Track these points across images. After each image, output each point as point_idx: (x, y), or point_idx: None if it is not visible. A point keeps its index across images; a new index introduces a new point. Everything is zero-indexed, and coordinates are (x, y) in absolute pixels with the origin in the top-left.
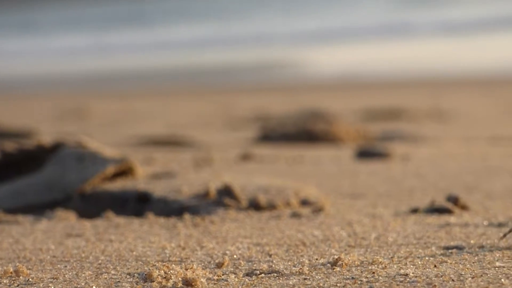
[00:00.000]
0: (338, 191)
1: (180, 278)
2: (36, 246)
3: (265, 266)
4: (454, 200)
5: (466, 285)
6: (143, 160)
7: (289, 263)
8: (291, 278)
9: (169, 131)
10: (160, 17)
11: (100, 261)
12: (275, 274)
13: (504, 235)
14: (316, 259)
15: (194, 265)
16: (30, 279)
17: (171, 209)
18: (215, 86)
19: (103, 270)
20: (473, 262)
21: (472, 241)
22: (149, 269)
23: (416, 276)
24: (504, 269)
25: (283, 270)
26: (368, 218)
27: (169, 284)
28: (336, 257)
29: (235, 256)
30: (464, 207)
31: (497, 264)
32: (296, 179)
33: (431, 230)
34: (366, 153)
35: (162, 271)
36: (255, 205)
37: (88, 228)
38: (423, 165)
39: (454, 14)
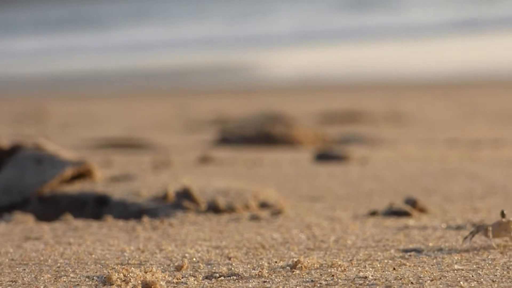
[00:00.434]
0: (297, 194)
1: (139, 281)
2: None
3: (224, 269)
4: (412, 203)
5: (425, 287)
6: (101, 163)
7: (249, 266)
8: (250, 281)
9: (127, 133)
10: (118, 19)
11: (59, 264)
12: (235, 277)
13: (466, 238)
14: (276, 262)
15: (154, 268)
16: None
17: (130, 212)
18: (173, 89)
19: (62, 273)
20: (432, 265)
21: (430, 244)
22: (108, 272)
23: (375, 279)
24: (463, 271)
25: (242, 273)
26: (327, 220)
27: (129, 287)
28: (295, 260)
29: (194, 259)
30: (422, 210)
31: (456, 266)
32: (255, 181)
33: (389, 233)
34: (324, 156)
35: (122, 274)
36: (214, 208)
37: (47, 231)
38: (382, 168)
39: (410, 18)
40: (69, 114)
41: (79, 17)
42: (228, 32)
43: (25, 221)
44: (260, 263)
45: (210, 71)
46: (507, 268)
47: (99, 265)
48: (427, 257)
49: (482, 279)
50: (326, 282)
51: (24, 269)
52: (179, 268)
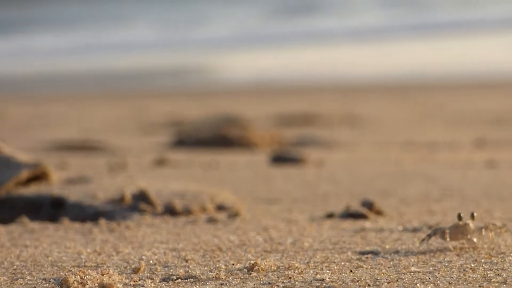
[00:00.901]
0: (253, 196)
1: (96, 284)
2: None
3: (181, 271)
4: (369, 205)
5: None
6: (57, 165)
7: (206, 268)
8: (207, 283)
9: (83, 136)
10: (75, 20)
11: (15, 267)
12: (192, 279)
13: (422, 240)
14: (233, 264)
15: (110, 270)
16: None
17: (86, 214)
18: (129, 91)
19: (19, 275)
20: (389, 267)
21: (387, 246)
22: (65, 275)
23: (332, 281)
24: (420, 274)
25: (199, 275)
26: (284, 223)
27: None
28: (252, 262)
29: (151, 261)
30: (379, 212)
31: (413, 269)
32: (212, 184)
33: (346, 235)
34: (281, 158)
35: (78, 277)
36: (170, 210)
37: (3, 233)
38: (338, 170)
39: (365, 20)
40: (25, 116)
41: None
42: (184, 36)
43: None
44: (217, 265)
45: (167, 73)
46: (464, 270)
47: (56, 268)
48: (384, 259)
49: (438, 281)
50: (283, 285)
51: None
52: (136, 271)
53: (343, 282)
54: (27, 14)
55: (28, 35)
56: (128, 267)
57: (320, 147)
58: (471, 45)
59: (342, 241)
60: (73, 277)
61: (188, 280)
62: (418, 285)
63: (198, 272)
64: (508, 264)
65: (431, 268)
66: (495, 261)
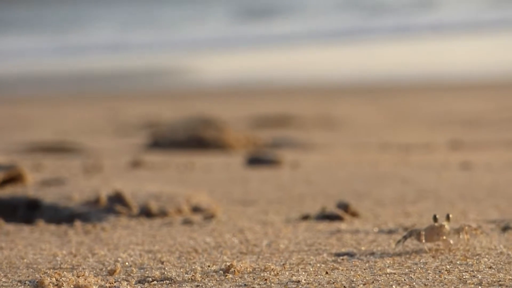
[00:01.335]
0: (229, 198)
1: (72, 285)
2: None
3: (157, 273)
4: (344, 207)
5: None
6: (32, 167)
7: (181, 270)
8: (183, 285)
9: (58, 137)
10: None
11: None
12: (168, 281)
13: (398, 242)
14: (209, 266)
15: (86, 272)
16: None
17: (62, 216)
18: (104, 93)
19: None
20: (364, 269)
21: (363, 248)
22: (41, 277)
23: (308, 283)
24: (395, 275)
25: (175, 277)
26: (260, 225)
27: None
28: (228, 264)
29: (127, 263)
30: (354, 214)
31: (388, 270)
32: (187, 186)
33: (322, 237)
34: (256, 160)
35: (54, 279)
36: (146, 212)
37: None
38: (313, 172)
39: (341, 22)
40: (0, 118)
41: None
42: (159, 37)
43: None
44: (193, 267)
45: (141, 75)
46: (439, 272)
47: (31, 270)
48: (359, 261)
49: (414, 283)
50: (259, 286)
51: None
52: (111, 272)
53: (319, 284)
54: (2, 15)
55: (2, 36)
56: (104, 269)
57: (295, 148)
58: (446, 48)
59: (317, 242)
60: (48, 279)
61: (164, 282)
62: (393, 286)
63: (173, 274)
64: (483, 266)
65: (406, 270)
66: (470, 262)
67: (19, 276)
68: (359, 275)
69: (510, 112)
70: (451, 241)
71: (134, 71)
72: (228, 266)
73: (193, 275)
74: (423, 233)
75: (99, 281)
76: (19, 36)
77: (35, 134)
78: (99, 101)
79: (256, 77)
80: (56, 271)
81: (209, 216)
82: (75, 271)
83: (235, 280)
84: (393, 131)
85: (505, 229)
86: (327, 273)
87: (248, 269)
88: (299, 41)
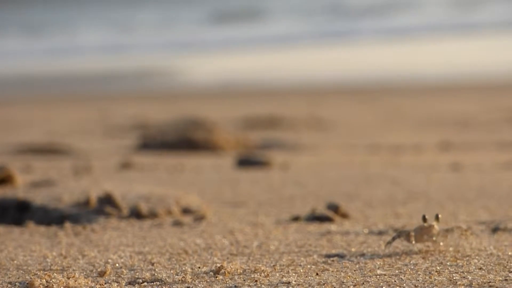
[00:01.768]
0: (219, 199)
1: (62, 287)
2: None
3: (147, 275)
4: (334, 208)
5: None
6: (21, 168)
7: (172, 271)
8: (173, 286)
9: (48, 139)
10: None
11: None
12: (158, 283)
13: (388, 243)
14: (199, 267)
15: (76, 273)
16: None
17: (52, 217)
18: (94, 94)
19: None
20: (355, 270)
21: (353, 249)
22: (31, 278)
23: (298, 284)
24: (385, 276)
25: (165, 279)
26: (250, 226)
27: None
28: (218, 265)
29: (117, 265)
30: (344, 215)
31: (378, 272)
32: (177, 187)
33: (312, 238)
34: (246, 162)
35: (44, 280)
36: (136, 214)
37: None
38: (303, 173)
39: (332, 24)
40: None
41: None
42: (148, 39)
43: None
44: (183, 268)
45: (131, 76)
46: (429, 273)
47: (21, 271)
48: (349, 262)
49: (404, 284)
50: (249, 287)
51: None
52: (102, 274)
53: (309, 285)
54: None
55: None
56: (94, 271)
57: (285, 150)
58: (435, 49)
59: (308, 244)
60: (38, 280)
61: (154, 283)
62: (384, 287)
63: (164, 275)
64: (474, 267)
65: (396, 271)
66: (460, 263)
67: (9, 277)
68: (349, 276)
69: (500, 113)
70: (441, 243)
71: (123, 72)
72: (219, 267)
73: (183, 277)
74: (412, 233)
75: (89, 282)
76: (7, 38)
77: (24, 135)
78: (89, 103)
79: (246, 79)
80: (46, 272)
81: (199, 218)
82: (65, 273)
83: (225, 282)
84: (383, 132)
85: (495, 230)
86: (317, 274)
87: (238, 271)
88: (288, 43)
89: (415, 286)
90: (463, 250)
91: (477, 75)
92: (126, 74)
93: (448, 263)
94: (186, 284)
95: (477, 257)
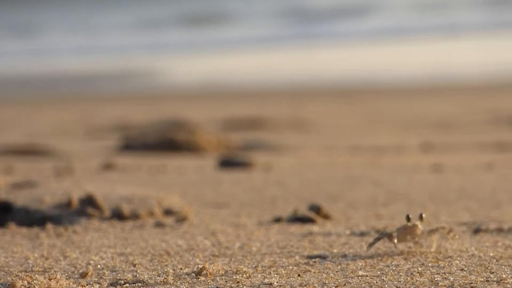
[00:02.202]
0: (201, 201)
1: None
2: None
3: (129, 276)
4: (316, 209)
5: None
6: (3, 170)
7: (154, 272)
8: (155, 287)
9: (29, 140)
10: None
11: None
12: (140, 284)
13: (370, 244)
14: (181, 268)
15: (58, 275)
16: None
17: (34, 218)
18: (75, 95)
19: None
20: (337, 271)
21: (335, 250)
22: (12, 280)
23: (280, 286)
24: (367, 278)
25: (147, 280)
26: (232, 227)
27: None
28: (200, 266)
29: (99, 266)
30: (326, 216)
31: (360, 273)
32: (159, 188)
33: (294, 239)
34: (228, 163)
35: (26, 281)
36: (118, 215)
37: None
38: (285, 175)
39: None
40: None
41: None
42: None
43: None
44: (165, 270)
45: (113, 77)
46: (411, 274)
47: (3, 272)
48: (331, 263)
49: (386, 285)
50: None
51: None
52: (83, 275)
53: (291, 286)
54: None
55: None
56: (76, 272)
57: (267, 151)
58: (416, 51)
59: (290, 245)
60: (20, 282)
61: (136, 284)
62: None
63: (146, 276)
64: (455, 268)
65: (378, 272)
66: (442, 265)
67: None
68: (331, 277)
69: (481, 115)
70: (424, 243)
71: (105, 73)
72: (201, 268)
73: (165, 278)
74: (395, 234)
75: (71, 284)
76: None
77: (6, 136)
78: (71, 104)
79: (228, 80)
80: (27, 274)
81: (181, 219)
82: (47, 274)
83: (207, 283)
84: (364, 134)
85: (476, 231)
86: (299, 275)
87: (220, 272)
88: (268, 44)
89: (397, 287)
90: (445, 251)
91: (458, 76)
92: (108, 75)
93: (429, 264)
94: (168, 285)
95: (458, 258)
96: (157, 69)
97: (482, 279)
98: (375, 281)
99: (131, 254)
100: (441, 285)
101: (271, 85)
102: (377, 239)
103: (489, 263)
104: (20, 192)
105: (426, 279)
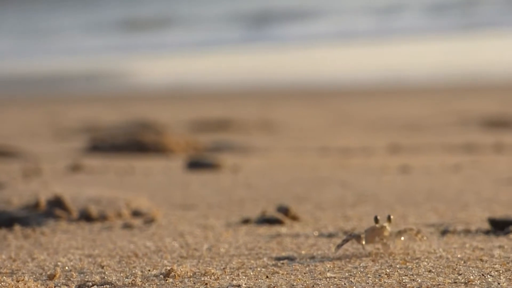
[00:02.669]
0: (169, 202)
1: None
2: None
3: (97, 278)
4: (284, 210)
5: None
6: None
7: (122, 274)
8: None
9: None
10: None
11: None
12: (108, 286)
13: (338, 246)
14: (149, 270)
15: (26, 277)
16: None
17: (1, 220)
18: (42, 96)
19: None
20: (305, 273)
21: (303, 252)
22: None
23: (248, 287)
24: (335, 279)
25: (115, 282)
26: (200, 229)
27: None
28: (168, 268)
29: (66, 268)
30: (294, 218)
31: (328, 274)
32: (127, 190)
33: (262, 241)
34: (196, 164)
35: None
36: (86, 216)
37: None
38: (254, 176)
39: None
40: None
41: None
42: (98, 41)
43: None
44: (133, 271)
45: (80, 78)
46: (379, 275)
47: None
48: (299, 265)
49: (354, 287)
50: None
51: None
52: (51, 277)
53: None
54: None
55: None
56: (44, 274)
57: (235, 152)
58: (384, 53)
59: (258, 246)
60: None
61: (104, 286)
62: None
63: (114, 278)
64: (423, 269)
65: (346, 274)
66: (410, 266)
67: None
68: (299, 279)
69: (448, 117)
70: (391, 244)
71: (72, 74)
72: (169, 270)
73: (133, 280)
74: (363, 236)
75: (38, 285)
76: None
77: None
78: (38, 105)
79: (196, 81)
80: None
81: (149, 220)
82: (14, 276)
83: (175, 285)
84: (332, 135)
85: (444, 232)
86: (267, 277)
87: (188, 273)
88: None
89: None
90: (413, 253)
91: (425, 78)
92: (76, 76)
93: (397, 266)
94: (136, 287)
95: (426, 259)
96: (124, 71)
97: (450, 281)
98: (343, 283)
99: (99, 256)
100: (409, 287)
101: (238, 86)
102: (345, 241)
103: (456, 264)
104: None
105: (394, 281)
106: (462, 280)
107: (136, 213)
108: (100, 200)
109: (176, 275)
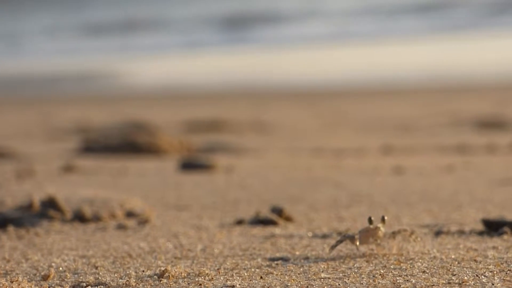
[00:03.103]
0: (163, 203)
1: None
2: None
3: (91, 278)
4: (278, 211)
5: None
6: None
7: (116, 275)
8: None
9: None
10: None
11: None
12: (102, 286)
13: (332, 246)
14: (143, 271)
15: (20, 277)
16: None
17: None
18: (35, 97)
19: None
20: (299, 274)
21: (297, 253)
22: None
23: None
24: (329, 280)
25: (109, 282)
26: (194, 229)
27: None
28: (162, 269)
29: (60, 268)
30: (288, 219)
31: (322, 275)
32: (121, 191)
33: (256, 242)
34: (190, 165)
35: None
36: (80, 217)
37: None
38: (247, 177)
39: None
40: None
41: None
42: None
43: None
44: (127, 272)
45: (74, 79)
46: (373, 276)
47: None
48: (294, 265)
49: (348, 287)
50: None
51: None
52: (45, 278)
53: None
54: None
55: None
56: (38, 274)
57: (229, 153)
58: (376, 54)
59: (252, 247)
60: None
61: (98, 287)
62: None
63: (108, 279)
64: (417, 270)
65: (340, 274)
66: (404, 267)
67: None
68: (293, 280)
69: (441, 118)
70: (385, 245)
71: (65, 75)
72: (163, 271)
73: (127, 280)
74: (357, 236)
75: (33, 286)
76: None
77: None
78: (31, 106)
79: (189, 82)
80: None
81: (143, 221)
82: (8, 277)
83: (169, 285)
84: (326, 136)
85: (438, 233)
86: (261, 277)
87: (182, 274)
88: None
89: None
90: (407, 254)
91: (418, 79)
92: (69, 77)
93: (391, 267)
94: None
95: (420, 260)
96: (117, 71)
97: (444, 281)
98: (337, 283)
99: (93, 257)
100: (403, 287)
101: (231, 87)
102: (339, 242)
103: (450, 265)
104: None
105: (388, 281)
106: (456, 281)
107: (130, 214)
108: (94, 201)
109: (170, 275)
